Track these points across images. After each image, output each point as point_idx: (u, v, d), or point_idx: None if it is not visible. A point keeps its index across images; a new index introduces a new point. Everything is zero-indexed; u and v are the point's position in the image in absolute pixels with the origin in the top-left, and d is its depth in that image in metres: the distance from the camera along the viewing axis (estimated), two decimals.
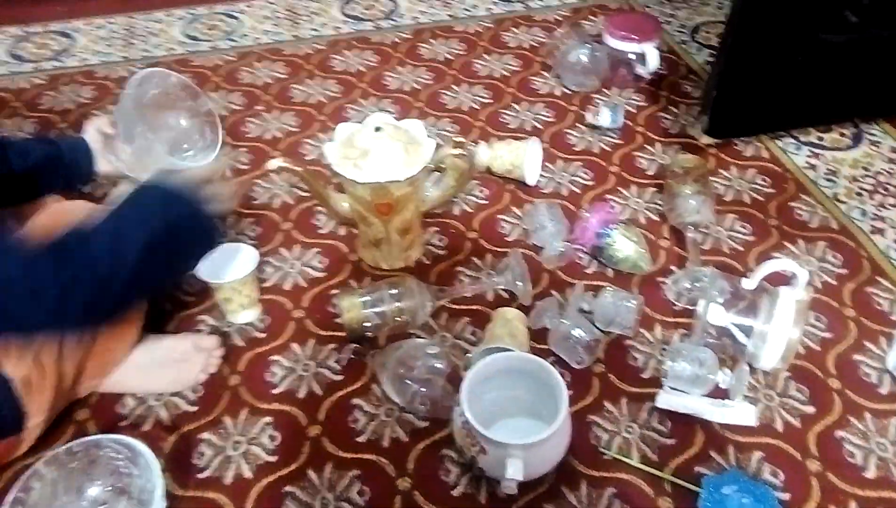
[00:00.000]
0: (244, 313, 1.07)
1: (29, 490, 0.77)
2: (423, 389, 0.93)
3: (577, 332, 1.00)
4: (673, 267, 1.16)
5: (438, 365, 0.94)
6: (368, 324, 1.02)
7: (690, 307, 1.08)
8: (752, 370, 0.99)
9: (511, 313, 1.04)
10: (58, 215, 0.96)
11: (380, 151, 1.02)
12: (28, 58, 1.69)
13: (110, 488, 0.80)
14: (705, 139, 1.36)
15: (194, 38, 1.74)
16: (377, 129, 1.04)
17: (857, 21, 1.18)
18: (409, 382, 0.93)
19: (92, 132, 1.07)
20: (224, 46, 1.71)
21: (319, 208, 1.25)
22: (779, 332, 0.95)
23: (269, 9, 1.84)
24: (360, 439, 0.93)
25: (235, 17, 1.81)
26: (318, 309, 1.11)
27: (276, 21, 1.79)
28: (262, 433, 0.94)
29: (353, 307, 1.02)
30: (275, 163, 1.04)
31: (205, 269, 1.02)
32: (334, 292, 1.12)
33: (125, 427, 0.94)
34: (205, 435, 0.94)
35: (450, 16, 1.81)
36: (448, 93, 1.55)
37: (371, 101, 1.53)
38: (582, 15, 1.79)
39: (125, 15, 1.82)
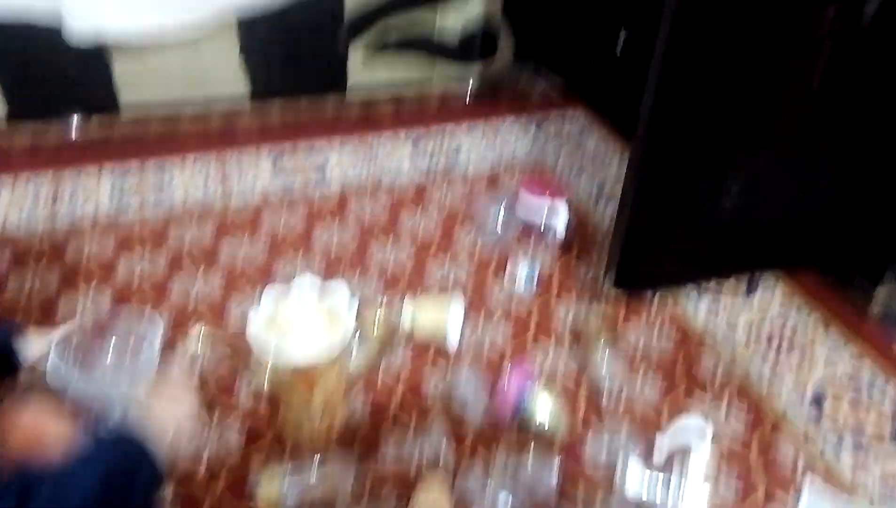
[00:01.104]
0: None
1: None
2: None
3: (501, 499, 1.00)
4: (591, 423, 1.19)
5: None
6: (289, 504, 1.00)
7: (610, 464, 1.11)
8: None
9: (435, 483, 1.04)
10: (30, 437, 0.92)
11: (302, 327, 1.05)
12: None
13: None
14: (614, 293, 1.45)
15: (122, 198, 1.76)
16: (301, 303, 1.06)
17: (737, 191, 1.32)
18: None
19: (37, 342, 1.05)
20: (152, 206, 1.74)
21: (241, 378, 1.24)
22: (693, 487, 0.98)
23: (200, 168, 1.89)
24: None
25: (165, 177, 1.85)
26: (235, 485, 1.07)
27: (206, 180, 1.85)
28: None
29: (273, 486, 1.00)
30: (197, 331, 1.05)
31: None
32: (254, 466, 1.10)
33: None
34: None
35: (376, 174, 1.91)
36: (373, 250, 1.61)
37: (298, 260, 1.57)
38: (499, 172, 1.93)
39: (53, 173, 1.83)
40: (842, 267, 1.52)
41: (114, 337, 1.10)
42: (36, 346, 1.04)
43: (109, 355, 1.08)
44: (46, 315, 1.38)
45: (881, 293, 1.46)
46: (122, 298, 1.43)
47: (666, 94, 1.16)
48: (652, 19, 1.17)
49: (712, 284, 1.51)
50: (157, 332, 1.13)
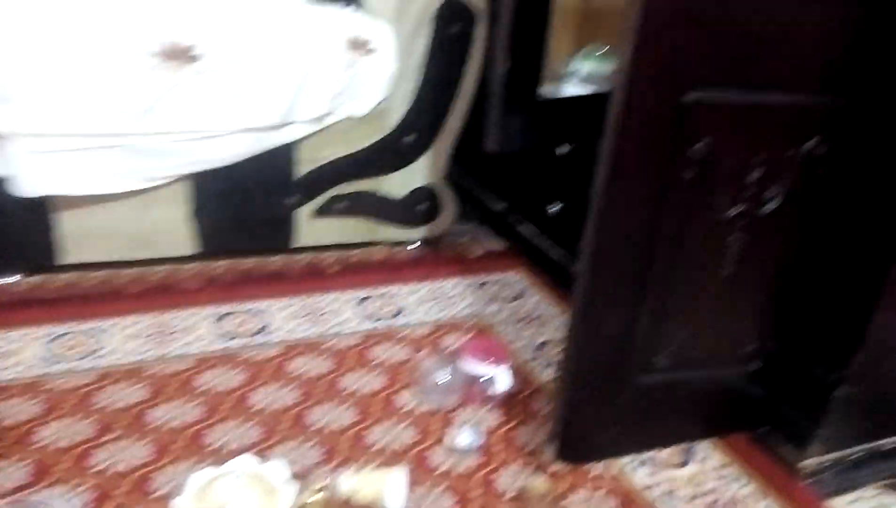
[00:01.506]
0: None
1: None
2: None
3: None
4: None
5: None
6: None
7: None
8: None
9: None
10: None
11: (236, 503, 1.00)
12: None
13: None
14: (557, 465, 1.45)
15: (52, 359, 1.70)
16: (233, 481, 1.02)
17: (667, 363, 1.39)
18: None
19: None
20: (84, 367, 1.68)
21: None
22: None
23: (137, 326, 1.86)
24: None
25: (99, 335, 1.81)
26: None
27: (143, 338, 1.81)
28: None
29: None
30: None
31: None
32: None
33: None
34: None
35: (320, 332, 1.92)
36: (314, 412, 1.58)
37: (235, 424, 1.52)
38: (442, 332, 1.96)
39: None
40: (771, 433, 1.57)
41: None
42: None
43: None
44: None
45: (810, 459, 1.50)
46: (38, 470, 1.34)
47: (599, 252, 1.24)
48: (583, 190, 1.28)
49: (653, 454, 1.53)
50: None
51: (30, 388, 1.58)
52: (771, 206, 1.29)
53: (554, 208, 2.27)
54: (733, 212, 1.27)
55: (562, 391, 1.38)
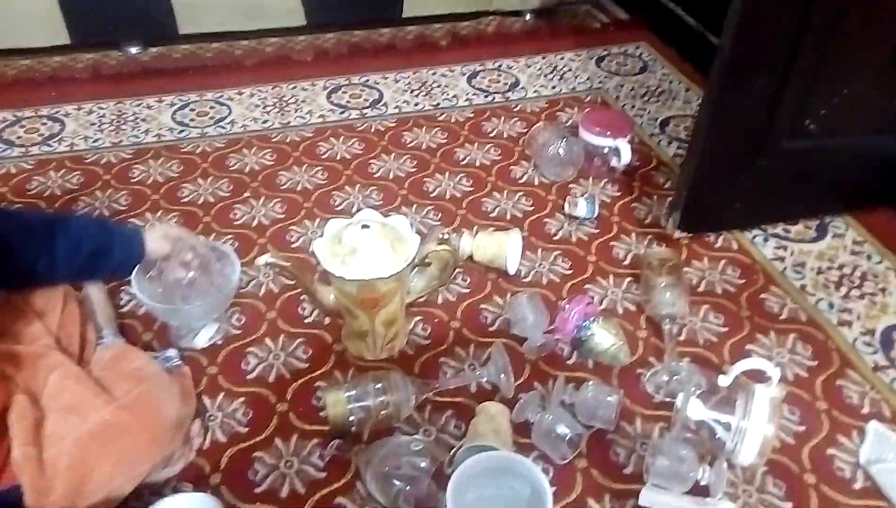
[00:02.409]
0: None
1: None
2: (408, 487, 0.93)
3: (560, 427, 1.01)
4: (651, 359, 1.19)
5: (423, 464, 0.95)
6: (353, 419, 1.03)
7: (669, 400, 1.11)
8: (731, 465, 1.00)
9: (494, 408, 1.05)
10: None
11: (367, 248, 1.05)
12: (17, 142, 1.71)
13: None
14: (677, 234, 1.42)
15: (184, 125, 1.78)
16: (364, 226, 1.07)
17: (815, 129, 1.26)
18: (394, 481, 0.93)
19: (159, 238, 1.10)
20: (213, 133, 1.75)
21: (304, 298, 1.27)
22: (755, 428, 0.97)
23: (258, 97, 1.90)
24: None
25: (225, 105, 1.86)
26: (301, 402, 1.11)
27: (264, 109, 1.85)
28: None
29: (338, 403, 1.03)
30: (263, 259, 1.07)
31: None
32: (319, 384, 1.13)
33: None
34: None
35: (432, 105, 1.89)
36: (431, 181, 1.60)
37: (356, 188, 1.57)
38: (558, 107, 1.88)
39: (115, 100, 1.87)
40: None
41: (192, 270, 1.12)
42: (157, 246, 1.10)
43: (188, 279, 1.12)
44: None
45: None
46: (187, 221, 1.46)
47: (751, 10, 1.09)
48: None
49: (780, 229, 1.46)
50: (235, 266, 1.16)
51: (168, 150, 1.68)
52: None
53: None
54: None
55: (692, 155, 1.30)
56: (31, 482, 0.83)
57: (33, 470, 0.84)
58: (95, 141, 1.72)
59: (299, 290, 1.26)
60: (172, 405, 0.96)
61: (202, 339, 1.19)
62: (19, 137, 1.73)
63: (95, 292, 1.18)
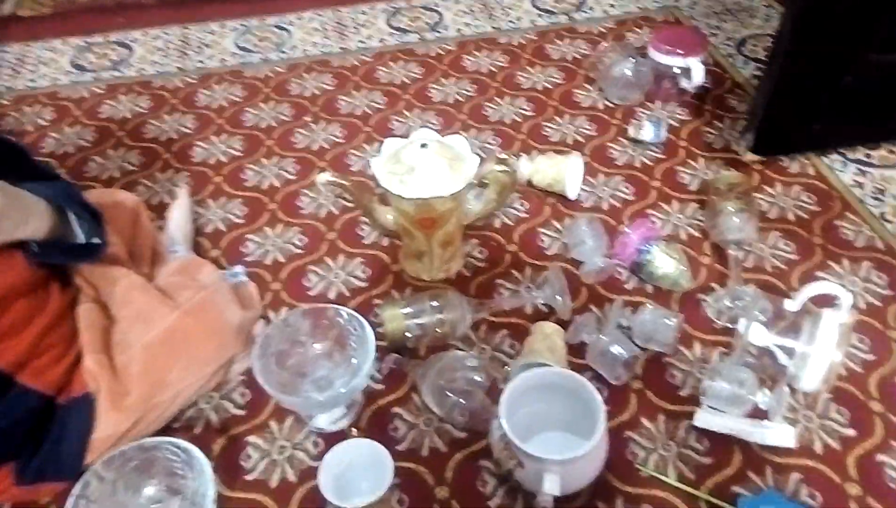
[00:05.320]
0: None
1: (88, 487, 0.82)
2: (462, 401, 0.95)
3: (615, 348, 1.01)
4: (714, 285, 1.16)
5: (478, 378, 0.96)
6: (409, 335, 1.05)
7: (731, 326, 1.08)
8: (793, 390, 0.98)
9: (550, 327, 1.05)
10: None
11: (425, 167, 1.05)
12: (88, 68, 1.77)
13: (165, 488, 0.84)
14: (749, 156, 1.35)
15: (246, 50, 1.79)
16: (423, 145, 1.06)
17: None
18: (449, 394, 0.95)
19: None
20: (274, 58, 1.76)
21: (363, 220, 1.29)
22: (821, 354, 0.94)
23: (317, 21, 1.89)
24: (400, 447, 0.96)
25: (286, 29, 1.86)
26: None
27: (324, 33, 1.84)
28: (306, 439, 0.98)
29: (395, 318, 1.05)
30: (323, 177, 1.08)
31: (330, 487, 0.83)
32: (377, 301, 1.16)
33: (178, 430, 0.99)
34: (252, 439, 0.98)
35: (494, 28, 1.83)
36: (491, 105, 1.57)
37: (415, 112, 1.56)
38: (626, 27, 1.79)
39: (180, 26, 1.89)
40: None
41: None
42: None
43: None
44: (185, 157, 1.47)
45: None
46: (250, 145, 1.49)
47: None
48: None
49: (860, 154, 1.37)
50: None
51: (232, 75, 1.70)
52: None
53: None
54: None
55: (770, 71, 1.22)
56: (108, 387, 0.88)
57: (109, 376, 0.89)
58: (162, 66, 1.76)
59: (358, 212, 1.28)
60: (234, 310, 1.01)
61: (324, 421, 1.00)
62: (91, 63, 1.78)
63: (178, 209, 1.23)
